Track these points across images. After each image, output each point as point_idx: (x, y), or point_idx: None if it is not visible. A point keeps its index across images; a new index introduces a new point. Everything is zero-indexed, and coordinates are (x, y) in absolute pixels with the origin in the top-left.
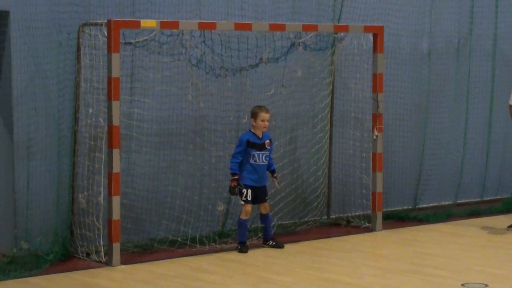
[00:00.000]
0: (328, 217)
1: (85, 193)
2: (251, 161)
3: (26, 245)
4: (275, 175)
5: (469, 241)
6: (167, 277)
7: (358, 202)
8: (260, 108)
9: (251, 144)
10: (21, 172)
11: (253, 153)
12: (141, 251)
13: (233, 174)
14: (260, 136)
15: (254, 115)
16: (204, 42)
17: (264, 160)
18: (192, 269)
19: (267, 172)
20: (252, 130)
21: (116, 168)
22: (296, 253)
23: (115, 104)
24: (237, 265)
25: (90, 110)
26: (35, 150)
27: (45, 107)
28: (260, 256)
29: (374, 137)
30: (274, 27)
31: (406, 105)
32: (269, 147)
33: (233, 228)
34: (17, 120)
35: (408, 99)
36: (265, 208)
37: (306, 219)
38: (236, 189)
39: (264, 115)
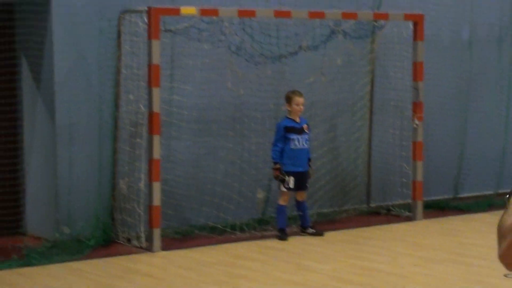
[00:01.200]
0: (368, 205)
1: (126, 179)
2: (292, 146)
3: (67, 230)
4: (310, 163)
5: None
6: (207, 263)
7: (398, 190)
8: (294, 92)
9: (289, 129)
10: (63, 157)
11: (293, 137)
12: (181, 237)
13: (274, 163)
14: (297, 120)
15: (288, 99)
16: (243, 29)
17: (304, 144)
18: (232, 256)
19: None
20: (288, 115)
21: (157, 154)
22: (336, 241)
23: (155, 91)
24: (277, 252)
25: (131, 97)
26: (77, 136)
27: (86, 93)
28: (299, 243)
29: (414, 125)
30: (313, 15)
31: (446, 93)
32: (307, 131)
33: (273, 215)
34: (59, 106)
35: (448, 87)
36: (301, 195)
37: (345, 208)
38: (279, 178)
39: (298, 99)
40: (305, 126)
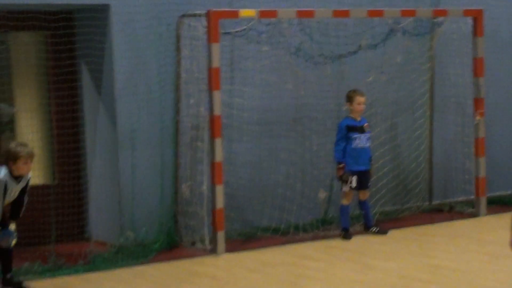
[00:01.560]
0: (430, 203)
1: (189, 183)
2: (354, 145)
3: (132, 235)
4: (371, 162)
5: None
6: (272, 264)
7: (460, 187)
8: (355, 91)
9: (350, 128)
10: (125, 163)
11: (355, 136)
12: (245, 239)
13: (338, 163)
14: (359, 119)
15: (349, 99)
16: (302, 30)
17: (366, 142)
18: (297, 256)
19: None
20: (349, 114)
21: (219, 157)
22: (400, 239)
23: (216, 94)
24: (342, 251)
25: (191, 100)
26: (138, 141)
27: (147, 98)
28: (364, 242)
29: (476, 121)
30: (372, 13)
31: (508, 89)
32: (369, 130)
33: (336, 215)
34: (120, 111)
35: (509, 83)
36: (364, 194)
37: (408, 205)
38: (343, 177)
39: (360, 98)
40: (366, 125)
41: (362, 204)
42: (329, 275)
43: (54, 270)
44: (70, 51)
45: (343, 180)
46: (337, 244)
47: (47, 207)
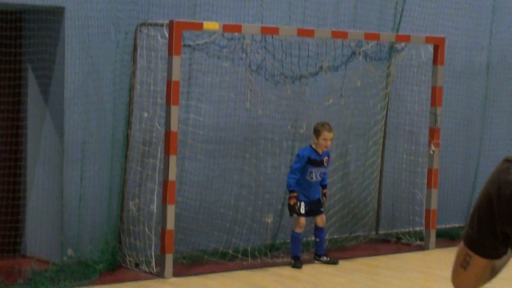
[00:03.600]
0: (377, 232)
1: (136, 200)
2: (307, 178)
3: (71, 253)
4: (325, 191)
5: None
6: None
7: (407, 218)
8: (323, 126)
9: (311, 161)
10: (71, 176)
11: (311, 169)
12: (191, 262)
13: (291, 191)
14: (320, 153)
15: (316, 132)
16: (265, 47)
17: (318, 177)
18: (248, 284)
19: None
20: (313, 146)
21: (173, 175)
22: (353, 270)
23: (174, 109)
24: (295, 282)
25: (145, 114)
26: (87, 154)
27: (98, 109)
28: (315, 272)
29: (431, 152)
30: (336, 34)
31: (460, 120)
32: (326, 164)
33: (284, 241)
34: (68, 121)
35: (461, 113)
36: (321, 220)
37: (356, 234)
38: (296, 206)
39: (327, 134)
40: (325, 159)
41: (318, 231)
42: None
43: None
44: (15, 55)
45: (293, 210)
46: (288, 272)
47: None
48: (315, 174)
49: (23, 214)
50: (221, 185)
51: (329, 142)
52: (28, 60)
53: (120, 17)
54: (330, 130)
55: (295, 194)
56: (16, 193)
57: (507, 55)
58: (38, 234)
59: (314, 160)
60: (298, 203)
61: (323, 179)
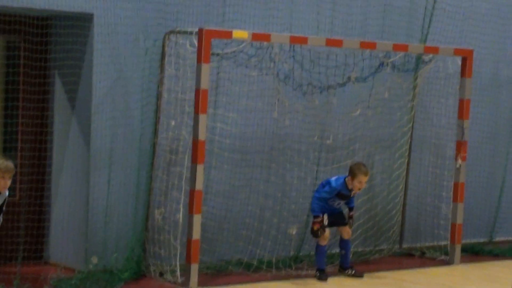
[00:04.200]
0: (400, 246)
1: (162, 209)
2: (331, 203)
3: (96, 260)
4: (351, 213)
5: None
6: None
7: (432, 232)
8: (360, 169)
9: (339, 195)
10: (97, 183)
11: (337, 201)
12: (215, 273)
13: (316, 216)
14: (352, 190)
15: (352, 174)
16: (293, 56)
17: (343, 207)
18: None
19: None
20: (347, 181)
21: (199, 185)
22: (379, 284)
23: (202, 118)
24: None
25: (173, 123)
26: (113, 161)
27: (125, 116)
28: (341, 285)
29: (458, 165)
30: (364, 45)
31: (486, 133)
32: (352, 197)
33: (309, 253)
34: (95, 128)
35: (487, 127)
36: (347, 233)
37: (380, 248)
38: (319, 232)
39: (363, 178)
40: (354, 193)
41: (343, 243)
42: None
43: None
44: (44, 61)
45: (317, 235)
46: (313, 284)
47: (8, 225)
48: (338, 203)
49: (48, 221)
50: (246, 195)
51: (363, 185)
52: (56, 66)
53: (149, 24)
54: (366, 173)
55: (319, 219)
56: (41, 199)
57: None
58: (63, 241)
59: (343, 195)
60: (321, 215)
61: (350, 202)
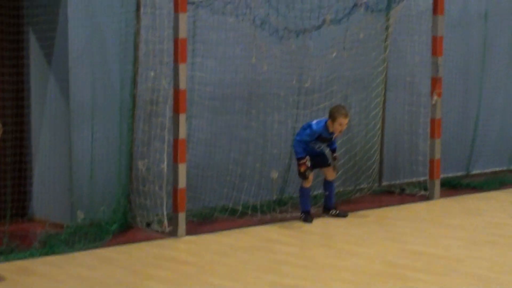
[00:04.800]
0: (380, 184)
1: (145, 160)
2: (312, 146)
3: (81, 215)
4: (335, 154)
5: None
6: (242, 248)
7: (411, 168)
8: (339, 112)
9: (320, 138)
10: (79, 137)
11: (318, 144)
12: (201, 220)
13: (301, 158)
14: (333, 132)
15: (332, 117)
16: (269, 1)
17: (324, 149)
18: (263, 240)
19: (328, 150)
20: (328, 125)
21: (183, 134)
22: (363, 223)
23: (182, 67)
24: (309, 235)
25: (152, 73)
26: (94, 115)
27: (103, 69)
28: (327, 226)
29: (433, 102)
30: None
31: (458, 69)
32: (334, 139)
33: (291, 196)
34: (74, 83)
35: (459, 62)
36: (330, 174)
37: (360, 187)
38: (306, 173)
39: (343, 120)
40: (335, 135)
41: (327, 184)
42: (308, 261)
43: (7, 253)
44: (15, 18)
45: (304, 176)
46: (300, 226)
47: None
48: (319, 146)
49: (30, 178)
50: (228, 142)
51: (344, 127)
52: (30, 22)
53: None
54: (346, 115)
55: (304, 161)
56: (22, 156)
57: (501, 1)
58: (47, 197)
59: (324, 138)
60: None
61: (331, 144)
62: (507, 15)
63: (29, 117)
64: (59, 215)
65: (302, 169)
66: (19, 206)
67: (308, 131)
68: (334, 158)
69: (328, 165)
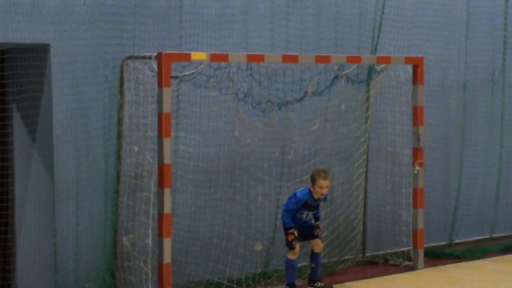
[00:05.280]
0: (364, 255)
1: (130, 235)
2: (299, 216)
3: None
4: (318, 223)
5: None
6: None
7: (394, 239)
8: (319, 174)
9: (306, 205)
10: (64, 214)
11: (305, 212)
12: None
13: (289, 228)
14: (316, 199)
15: (312, 180)
16: (251, 75)
17: (311, 219)
18: None
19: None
20: (311, 190)
21: (168, 208)
22: None
23: (167, 141)
24: None
25: (136, 148)
26: (79, 191)
27: (87, 145)
28: None
29: (415, 171)
30: (319, 59)
31: (438, 138)
32: (320, 207)
33: (276, 268)
34: (58, 159)
35: (440, 132)
36: (318, 246)
37: (344, 258)
38: (293, 243)
39: (322, 182)
40: (321, 204)
41: (314, 257)
42: None
43: None
44: (2, 94)
45: (292, 246)
46: None
47: None
48: (307, 215)
49: (14, 256)
50: (212, 216)
51: (325, 190)
52: (14, 100)
53: (107, 51)
54: (325, 177)
55: (292, 230)
56: (6, 234)
57: (479, 71)
58: (31, 275)
59: (310, 205)
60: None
61: (316, 212)
62: (485, 84)
63: (13, 193)
64: None
65: (290, 238)
66: (3, 284)
67: (293, 199)
68: (317, 227)
69: (316, 237)
